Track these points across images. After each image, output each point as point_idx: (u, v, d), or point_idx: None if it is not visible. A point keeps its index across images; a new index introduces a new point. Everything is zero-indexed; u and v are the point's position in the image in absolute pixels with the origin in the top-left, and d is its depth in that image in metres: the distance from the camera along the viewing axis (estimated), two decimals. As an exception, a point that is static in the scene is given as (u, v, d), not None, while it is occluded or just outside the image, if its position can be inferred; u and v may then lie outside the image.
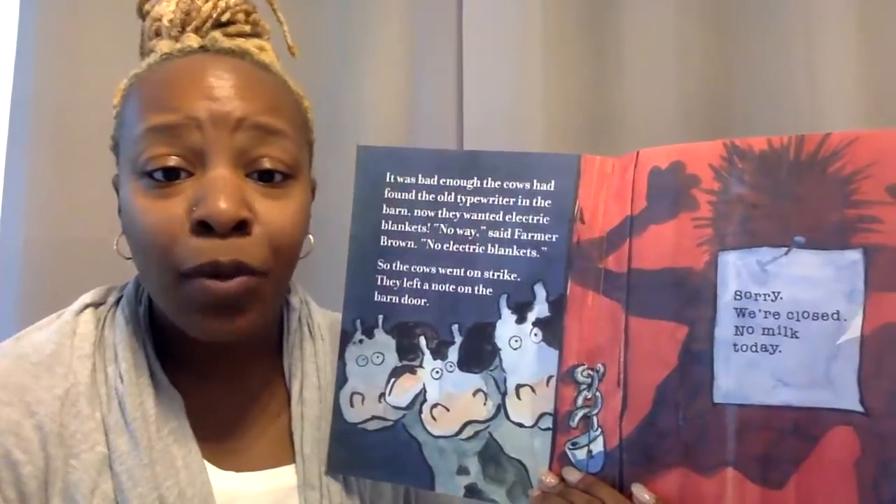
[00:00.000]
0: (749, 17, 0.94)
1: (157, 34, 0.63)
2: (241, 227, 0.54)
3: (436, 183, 0.61)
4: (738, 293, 0.51)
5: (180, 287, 0.55)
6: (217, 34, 0.61)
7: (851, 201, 0.49)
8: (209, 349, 0.60)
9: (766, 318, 0.50)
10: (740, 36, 0.94)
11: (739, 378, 0.51)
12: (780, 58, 0.91)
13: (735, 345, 0.51)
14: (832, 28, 0.87)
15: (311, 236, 0.62)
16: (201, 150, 0.55)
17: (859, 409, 0.48)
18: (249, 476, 0.60)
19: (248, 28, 0.64)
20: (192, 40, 0.60)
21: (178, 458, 0.57)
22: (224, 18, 0.62)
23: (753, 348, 0.50)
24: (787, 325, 0.50)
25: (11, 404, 0.55)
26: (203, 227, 0.53)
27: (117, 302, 0.63)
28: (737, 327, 0.51)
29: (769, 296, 0.50)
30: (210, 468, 0.59)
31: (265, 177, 0.56)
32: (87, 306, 0.62)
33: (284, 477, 0.61)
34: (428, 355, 0.60)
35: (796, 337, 0.49)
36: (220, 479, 0.59)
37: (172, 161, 0.54)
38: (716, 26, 0.95)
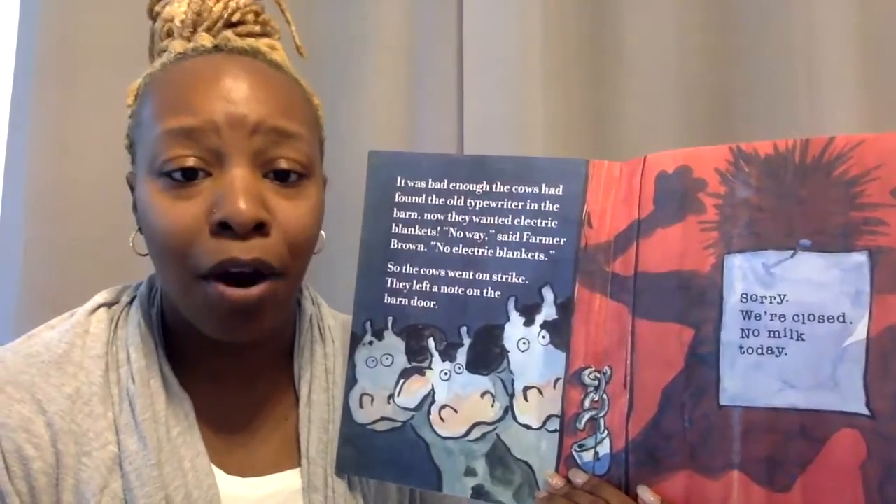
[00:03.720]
0: (749, 17, 0.94)
1: (169, 34, 0.64)
2: (259, 228, 0.55)
3: (445, 187, 0.61)
4: (744, 296, 0.51)
5: (198, 290, 0.55)
6: (229, 34, 0.62)
7: (856, 204, 0.49)
8: (221, 351, 0.61)
9: (771, 320, 0.50)
10: (741, 37, 0.94)
11: (745, 380, 0.51)
12: (780, 59, 0.91)
13: (741, 347, 0.51)
14: (833, 28, 0.87)
15: (323, 233, 0.63)
16: (219, 152, 0.55)
17: (865, 411, 0.48)
18: (255, 480, 0.61)
19: (257, 28, 0.65)
20: (205, 39, 0.61)
21: (185, 460, 0.57)
22: (234, 19, 0.63)
23: (759, 350, 0.51)
24: (792, 328, 0.50)
25: (23, 401, 0.56)
26: (222, 229, 0.54)
27: (131, 302, 0.64)
28: (742, 330, 0.51)
29: (775, 298, 0.50)
30: (216, 471, 0.59)
31: (281, 176, 0.57)
32: (100, 306, 0.63)
33: (289, 480, 0.62)
34: (437, 357, 0.61)
35: (802, 339, 0.50)
36: (226, 483, 0.59)
37: (191, 161, 0.55)
38: (716, 27, 0.95)
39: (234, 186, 0.54)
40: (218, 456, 0.60)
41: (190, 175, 0.55)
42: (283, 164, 0.57)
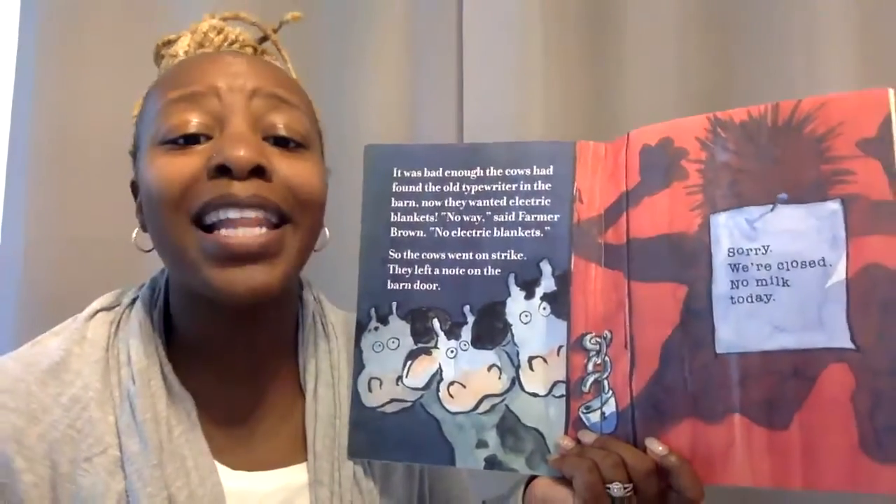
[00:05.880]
0: (750, 18, 0.97)
1: None
2: (259, 173, 0.56)
3: (441, 175, 0.65)
4: (731, 250, 0.55)
5: (197, 238, 0.56)
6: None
7: (826, 157, 0.53)
8: (225, 347, 0.62)
9: (758, 270, 0.54)
10: (741, 37, 0.97)
11: (738, 328, 0.54)
12: (780, 60, 0.94)
13: (732, 298, 0.55)
14: (832, 29, 0.90)
15: (326, 230, 0.65)
16: (220, 115, 0.57)
17: (851, 346, 0.51)
18: (261, 475, 0.61)
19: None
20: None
21: (188, 459, 0.58)
22: (234, 49, 0.66)
23: (749, 299, 0.54)
24: (778, 275, 0.54)
25: (17, 411, 0.56)
26: (221, 172, 0.55)
27: (132, 304, 0.64)
28: (732, 282, 0.55)
29: (759, 250, 0.54)
30: (222, 468, 0.60)
31: (280, 142, 0.59)
32: (98, 311, 0.63)
33: (295, 475, 0.62)
34: (442, 336, 0.63)
35: (788, 285, 0.53)
36: (232, 479, 0.60)
37: (193, 127, 0.57)
38: (716, 27, 0.98)
39: (232, 136, 0.56)
40: (223, 453, 0.60)
41: (192, 140, 0.57)
42: (282, 131, 0.59)
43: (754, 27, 0.97)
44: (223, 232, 0.55)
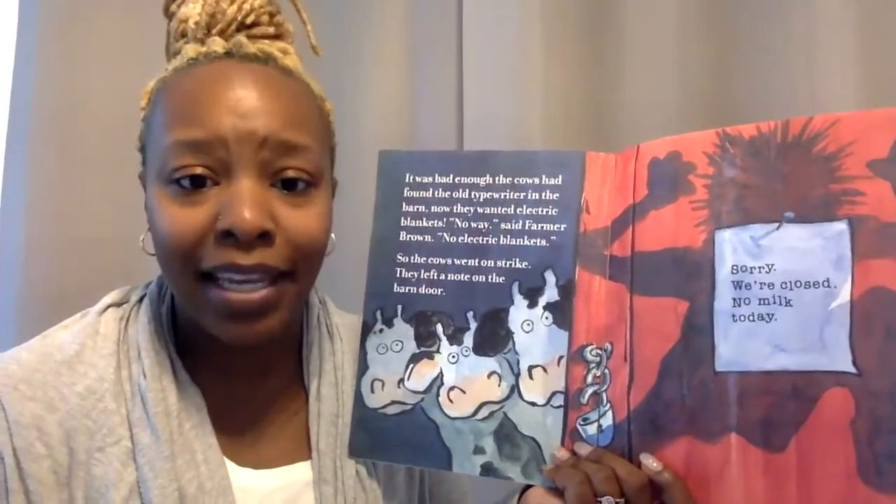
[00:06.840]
0: (749, 17, 0.95)
1: (183, 35, 0.64)
2: (264, 238, 0.56)
3: (451, 181, 0.65)
4: (735, 267, 0.54)
5: (201, 291, 0.57)
6: (242, 38, 0.62)
7: (835, 177, 0.52)
8: (232, 347, 0.62)
9: (761, 289, 0.53)
10: (741, 37, 0.96)
11: (739, 346, 0.54)
12: (780, 59, 0.93)
13: (733, 315, 0.54)
14: (832, 28, 0.89)
15: (333, 235, 0.65)
16: (227, 163, 0.57)
17: (852, 370, 0.50)
18: (266, 472, 0.62)
19: (271, 30, 0.65)
20: (217, 45, 0.61)
21: (198, 453, 0.59)
22: (248, 20, 0.64)
23: (751, 318, 0.54)
24: (781, 295, 0.53)
25: (35, 399, 0.58)
26: (227, 237, 0.56)
27: (140, 300, 0.65)
28: (734, 299, 0.54)
29: (763, 268, 0.54)
30: (228, 464, 0.61)
31: (288, 185, 0.58)
32: (108, 306, 0.64)
33: (300, 473, 0.63)
34: (444, 341, 0.63)
35: (790, 305, 0.53)
36: (238, 475, 0.61)
37: (199, 171, 0.57)
38: (716, 26, 0.96)
39: (240, 196, 0.56)
40: (230, 449, 0.62)
41: (198, 183, 0.57)
42: (291, 174, 0.58)
43: (754, 27, 0.95)
44: (225, 286, 0.57)
